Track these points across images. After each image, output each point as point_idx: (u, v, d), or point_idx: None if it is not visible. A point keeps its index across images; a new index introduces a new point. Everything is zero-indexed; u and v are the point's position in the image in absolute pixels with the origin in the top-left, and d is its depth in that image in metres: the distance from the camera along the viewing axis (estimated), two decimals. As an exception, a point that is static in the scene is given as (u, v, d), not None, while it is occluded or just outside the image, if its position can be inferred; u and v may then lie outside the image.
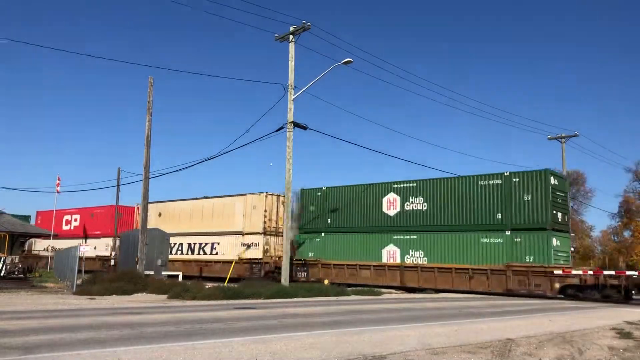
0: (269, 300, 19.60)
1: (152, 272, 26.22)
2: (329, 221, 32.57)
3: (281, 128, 25.16)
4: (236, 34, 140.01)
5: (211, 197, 37.33)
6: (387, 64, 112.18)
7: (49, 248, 48.47)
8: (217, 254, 35.63)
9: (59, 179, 45.69)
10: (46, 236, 43.74)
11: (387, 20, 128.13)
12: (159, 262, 28.63)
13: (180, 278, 27.89)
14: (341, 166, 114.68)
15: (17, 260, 30.36)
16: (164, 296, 20.24)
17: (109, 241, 44.00)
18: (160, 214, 39.69)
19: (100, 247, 44.70)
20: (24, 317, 12.49)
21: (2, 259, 28.96)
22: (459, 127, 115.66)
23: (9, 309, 14.55)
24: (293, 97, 25.34)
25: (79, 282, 22.94)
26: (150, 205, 36.78)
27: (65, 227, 49.27)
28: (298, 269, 31.92)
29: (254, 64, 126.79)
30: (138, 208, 39.23)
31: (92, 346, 8.21)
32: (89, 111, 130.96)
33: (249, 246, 33.54)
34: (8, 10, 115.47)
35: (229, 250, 34.80)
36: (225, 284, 25.59)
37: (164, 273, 28.11)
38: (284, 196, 31.63)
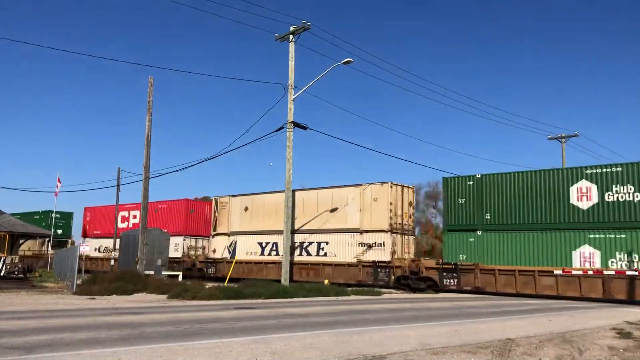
0: (269, 300, 19.60)
1: (152, 272, 26.25)
2: (487, 217, 26.52)
3: (281, 128, 25.19)
4: (236, 34, 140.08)
5: (313, 189, 32.87)
6: (387, 63, 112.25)
7: (102, 248, 45.29)
8: (325, 254, 30.73)
9: (59, 180, 45.54)
10: (46, 236, 43.36)
11: (387, 20, 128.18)
12: (159, 261, 28.66)
13: (180, 278, 27.91)
14: (341, 166, 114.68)
15: (17, 260, 30.37)
16: (164, 296, 20.25)
17: (178, 240, 38.70)
18: (246, 209, 35.30)
19: (175, 247, 38.70)
20: (24, 317, 12.50)
21: (2, 259, 28.96)
22: (459, 127, 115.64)
23: (9, 308, 14.56)
24: (293, 97, 25.34)
25: (79, 282, 22.95)
26: (234, 199, 36.13)
27: (121, 225, 43.89)
28: (445, 274, 26.38)
29: (254, 64, 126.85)
30: (217, 201, 37.22)
31: (92, 346, 8.21)
32: (89, 111, 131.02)
33: (370, 246, 28.67)
34: (8, 10, 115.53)
35: (341, 250, 29.99)
36: (225, 284, 25.59)
37: (164, 273, 28.13)
38: (411, 187, 29.90)
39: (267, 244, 33.72)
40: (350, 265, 29.22)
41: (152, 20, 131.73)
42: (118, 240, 39.25)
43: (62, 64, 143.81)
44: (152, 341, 8.88)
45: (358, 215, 29.46)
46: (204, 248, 39.29)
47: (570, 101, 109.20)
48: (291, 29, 25.71)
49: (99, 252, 45.52)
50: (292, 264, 30.02)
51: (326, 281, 28.79)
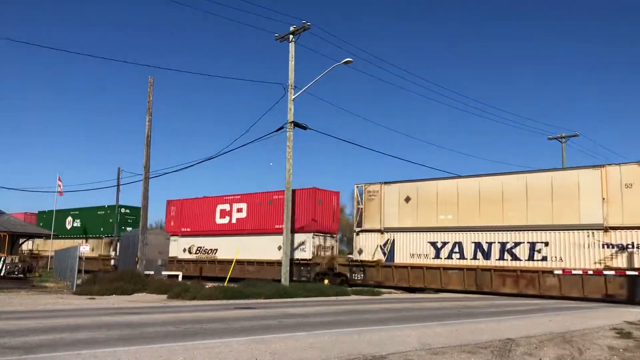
0: (269, 300, 19.60)
1: (152, 272, 26.25)
2: None
3: (281, 128, 25.19)
4: (236, 34, 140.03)
5: (515, 173, 26.11)
6: (387, 63, 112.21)
7: (193, 249, 38.79)
8: (543, 259, 24.01)
9: (59, 181, 45.26)
10: (46, 236, 42.30)
11: (387, 20, 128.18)
12: (159, 262, 28.66)
13: (180, 278, 27.90)
14: (341, 166, 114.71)
15: (17, 260, 30.36)
16: (164, 296, 20.25)
17: (304, 238, 31.82)
18: (407, 199, 28.67)
19: (296, 246, 32.28)
20: (24, 317, 12.50)
21: (2, 259, 28.96)
22: (459, 127, 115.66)
23: (9, 309, 14.56)
24: (293, 97, 25.34)
25: (79, 282, 22.95)
26: (388, 187, 29.41)
27: (220, 220, 37.45)
28: None
29: (254, 64, 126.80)
30: (363, 190, 30.31)
31: (92, 346, 8.21)
32: (89, 111, 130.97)
33: (623, 248, 22.15)
34: (8, 10, 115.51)
35: (572, 254, 23.32)
36: (225, 283, 25.58)
37: (164, 273, 28.13)
38: None
39: (444, 244, 27.18)
40: (595, 274, 22.32)
41: (152, 20, 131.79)
42: (217, 239, 36.07)
43: (62, 64, 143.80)
44: (152, 341, 8.88)
45: (600, 207, 22.76)
46: (332, 248, 33.05)
47: (570, 101, 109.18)
48: (291, 29, 25.71)
49: (190, 252, 38.82)
50: (500, 270, 25.08)
51: (326, 281, 28.77)
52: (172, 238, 37.55)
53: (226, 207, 37.50)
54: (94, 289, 21.09)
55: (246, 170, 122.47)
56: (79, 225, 49.70)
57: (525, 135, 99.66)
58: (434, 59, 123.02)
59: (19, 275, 29.44)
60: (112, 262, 42.10)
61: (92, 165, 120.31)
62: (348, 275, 29.49)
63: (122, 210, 45.90)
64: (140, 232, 25.73)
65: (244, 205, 36.26)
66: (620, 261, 22.14)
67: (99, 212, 47.36)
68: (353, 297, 22.85)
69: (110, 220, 45.25)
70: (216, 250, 36.90)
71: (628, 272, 21.59)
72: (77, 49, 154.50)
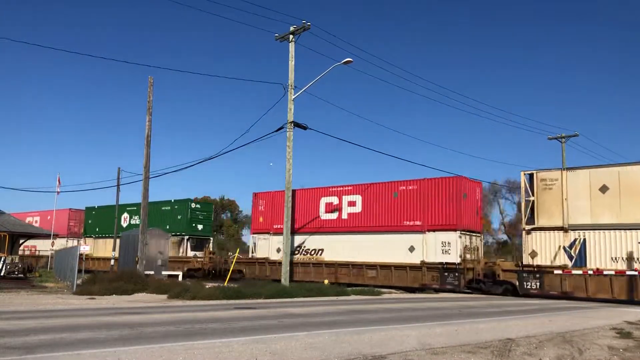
0: (268, 300, 19.60)
1: (152, 272, 26.25)
2: None
3: (281, 128, 25.19)
4: (236, 34, 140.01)
5: None
6: (387, 63, 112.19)
7: (308, 248, 32.66)
8: None
9: (59, 180, 45.18)
10: (46, 236, 42.19)
11: (387, 20, 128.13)
12: (159, 261, 28.66)
13: (180, 278, 27.91)
14: (342, 166, 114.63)
15: (17, 260, 30.38)
16: (164, 296, 20.25)
17: (448, 238, 27.07)
18: (604, 188, 22.93)
19: (435, 247, 27.32)
20: (24, 317, 12.50)
21: (2, 259, 28.97)
22: (459, 126, 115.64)
23: (9, 308, 14.56)
24: (293, 97, 25.34)
25: (79, 282, 22.95)
26: (573, 174, 23.79)
27: (326, 216, 32.26)
28: None
29: (254, 64, 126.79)
30: (534, 177, 24.87)
31: (92, 346, 8.21)
32: (89, 111, 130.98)
33: None
34: (8, 10, 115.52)
35: None
36: (225, 283, 25.59)
37: (164, 273, 28.13)
38: None
39: None
40: None
41: (152, 20, 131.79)
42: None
43: (62, 64, 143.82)
44: (152, 341, 8.88)
45: None
46: (477, 249, 28.31)
47: (570, 101, 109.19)
48: (291, 29, 25.71)
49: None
50: None
51: (326, 281, 28.75)
52: (260, 236, 35.18)
53: (333, 200, 32.21)
54: (94, 288, 21.09)
55: (246, 171, 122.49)
56: (136, 222, 42.30)
57: (525, 135, 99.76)
58: (434, 59, 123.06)
59: (19, 275, 29.45)
60: (198, 264, 35.64)
61: (92, 165, 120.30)
62: (517, 283, 24.18)
63: (192, 205, 40.77)
64: (140, 232, 25.74)
65: (357, 198, 31.16)
66: None
67: (163, 208, 41.67)
68: (353, 297, 22.85)
69: (179, 217, 40.51)
70: (321, 250, 32.09)
71: None
72: (77, 48, 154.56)
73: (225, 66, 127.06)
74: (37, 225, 48.25)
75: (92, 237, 47.53)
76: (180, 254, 39.30)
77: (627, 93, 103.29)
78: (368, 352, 8.18)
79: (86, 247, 28.19)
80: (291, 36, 25.69)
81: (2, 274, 28.42)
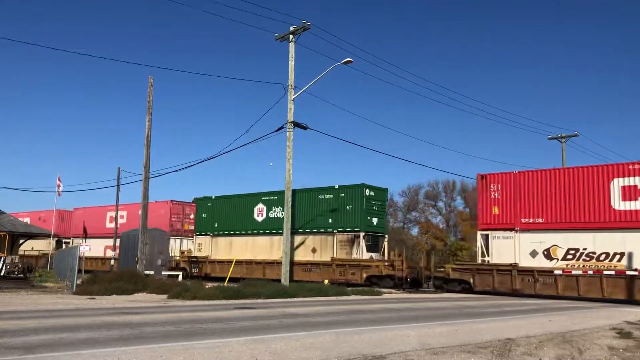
0: (268, 300, 19.60)
1: (152, 272, 26.26)
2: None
3: (281, 128, 25.19)
4: (236, 34, 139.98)
5: None
6: (387, 63, 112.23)
7: (557, 252, 24.43)
8: None
9: (59, 180, 45.06)
10: (46, 236, 41.91)
11: (387, 20, 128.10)
12: (159, 261, 28.67)
13: (180, 278, 27.93)
14: (342, 165, 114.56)
15: (17, 260, 30.38)
16: (164, 296, 20.26)
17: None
18: None
19: None
20: (24, 317, 12.50)
21: (2, 259, 28.97)
22: (459, 126, 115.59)
23: (9, 308, 14.56)
24: (293, 97, 25.34)
25: (79, 282, 22.97)
26: None
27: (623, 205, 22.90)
28: None
29: (254, 64, 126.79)
30: None
31: (92, 346, 8.21)
32: (89, 111, 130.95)
33: None
34: (8, 10, 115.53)
35: None
36: (225, 283, 25.60)
37: (164, 273, 28.15)
38: None
39: None
40: None
41: (152, 20, 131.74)
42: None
43: (62, 64, 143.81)
44: (152, 341, 8.88)
45: None
46: None
47: (570, 101, 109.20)
48: (291, 29, 25.71)
49: (550, 257, 24.61)
50: None
51: (326, 281, 28.74)
52: (501, 234, 26.01)
53: (628, 181, 22.91)
54: (94, 288, 21.10)
55: (246, 171, 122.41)
56: (278, 215, 33.45)
57: (525, 135, 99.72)
58: (434, 59, 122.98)
59: (19, 275, 29.45)
60: (386, 270, 28.30)
61: (92, 165, 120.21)
62: None
63: (367, 192, 31.17)
64: (140, 232, 25.75)
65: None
66: None
67: (321, 196, 32.68)
68: (353, 297, 22.86)
69: (349, 208, 30.84)
70: (617, 255, 22.76)
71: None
72: (76, 48, 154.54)
73: (225, 66, 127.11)
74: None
75: (208, 234, 37.81)
76: (354, 256, 30.08)
77: (627, 93, 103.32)
78: (368, 352, 8.18)
79: (86, 247, 28.15)
80: (291, 36, 25.69)
81: (2, 274, 28.42)
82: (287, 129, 25.07)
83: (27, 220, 47.30)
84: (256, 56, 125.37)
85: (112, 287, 21.21)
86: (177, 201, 41.72)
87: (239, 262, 33.50)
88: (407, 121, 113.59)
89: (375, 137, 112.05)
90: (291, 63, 25.65)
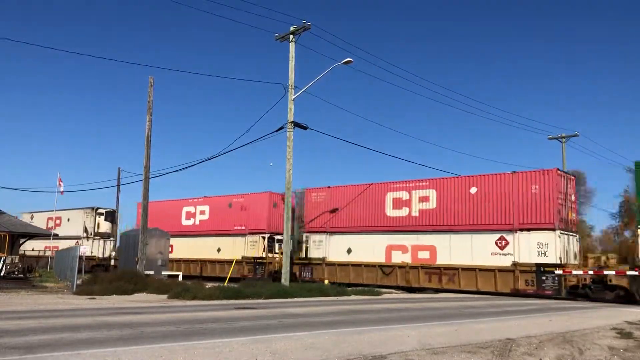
0: (269, 300, 19.60)
1: (152, 272, 26.24)
2: None
3: (281, 128, 25.18)
4: (236, 34, 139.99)
5: None
6: (387, 63, 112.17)
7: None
8: None
9: (60, 180, 44.89)
10: (45, 236, 41.66)
11: (388, 20, 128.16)
12: (159, 262, 28.64)
13: (180, 278, 27.90)
14: (343, 166, 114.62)
15: (17, 260, 30.36)
16: (164, 296, 20.25)
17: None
18: None
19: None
20: (24, 317, 12.50)
21: (2, 259, 28.96)
22: (459, 126, 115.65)
23: (9, 308, 14.55)
24: (293, 97, 25.34)
25: (79, 282, 22.96)
26: None
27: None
28: None
29: (254, 64, 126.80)
30: None
31: (92, 346, 8.21)
32: (89, 111, 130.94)
33: None
34: (8, 10, 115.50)
35: None
36: (225, 284, 25.59)
37: (164, 273, 28.13)
38: None
39: None
40: None
41: (152, 20, 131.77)
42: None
43: (62, 64, 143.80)
44: (152, 341, 8.87)
45: None
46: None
47: (570, 101, 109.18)
48: (291, 29, 25.70)
49: None
50: None
51: (326, 281, 28.74)
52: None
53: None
54: (94, 289, 21.09)
55: (246, 171, 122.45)
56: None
57: (525, 135, 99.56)
58: (434, 58, 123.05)
59: (19, 275, 29.44)
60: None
61: (92, 165, 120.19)
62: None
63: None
64: (141, 232, 25.73)
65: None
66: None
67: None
68: (353, 297, 22.85)
69: None
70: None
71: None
72: (77, 48, 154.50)
73: (225, 66, 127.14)
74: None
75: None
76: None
77: (627, 93, 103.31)
78: (368, 352, 8.17)
79: (85, 247, 28.12)
80: (291, 36, 25.68)
81: (2, 274, 28.41)
82: (287, 129, 25.06)
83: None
84: (256, 56, 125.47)
85: (112, 287, 21.19)
86: (278, 193, 35.55)
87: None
88: (408, 121, 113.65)
89: (375, 137, 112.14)
90: (291, 63, 25.64)
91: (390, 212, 29.10)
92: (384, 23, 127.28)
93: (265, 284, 23.78)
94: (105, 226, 43.85)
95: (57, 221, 46.15)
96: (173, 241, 33.77)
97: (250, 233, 34.38)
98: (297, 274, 31.01)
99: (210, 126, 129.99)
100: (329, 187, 32.03)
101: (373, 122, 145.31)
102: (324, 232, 31.42)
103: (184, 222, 38.04)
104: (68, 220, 45.33)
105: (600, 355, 8.73)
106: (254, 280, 27.35)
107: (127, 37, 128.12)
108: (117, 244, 43.22)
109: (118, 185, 39.18)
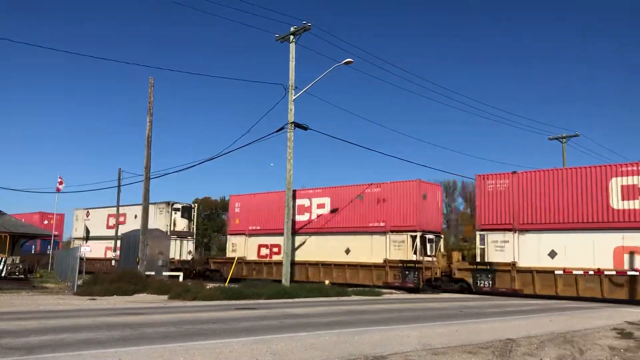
0: (269, 301, 19.60)
1: (152, 273, 26.25)
2: None
3: (282, 128, 25.19)
4: (236, 34, 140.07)
5: None
6: (387, 63, 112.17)
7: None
8: None
9: (60, 180, 44.83)
10: (46, 236, 41.43)
11: (387, 20, 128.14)
12: (160, 262, 28.65)
13: (180, 278, 27.91)
14: (342, 166, 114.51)
15: (17, 261, 30.38)
16: (165, 296, 20.26)
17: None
18: None
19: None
20: (25, 317, 12.51)
21: (3, 260, 28.98)
22: (459, 126, 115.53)
23: (10, 309, 14.57)
24: (294, 97, 25.34)
25: (79, 282, 22.97)
26: None
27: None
28: None
29: (254, 64, 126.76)
30: None
31: (93, 347, 8.22)
32: (89, 111, 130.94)
33: None
34: (8, 10, 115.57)
35: None
36: (226, 284, 25.60)
37: (164, 273, 28.14)
38: None
39: None
40: None
41: (153, 20, 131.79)
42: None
43: (62, 64, 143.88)
44: (152, 341, 8.88)
45: None
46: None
47: (570, 101, 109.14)
48: (292, 29, 25.70)
49: None
50: None
51: (327, 281, 28.74)
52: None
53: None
54: (95, 289, 21.10)
55: (246, 171, 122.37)
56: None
57: (525, 135, 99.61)
58: (434, 58, 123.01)
59: (20, 276, 29.45)
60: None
61: (92, 166, 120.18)
62: (471, 281, 24.99)
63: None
64: (141, 232, 25.75)
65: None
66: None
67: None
68: (354, 297, 22.85)
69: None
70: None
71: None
72: (77, 49, 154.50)
73: (225, 66, 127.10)
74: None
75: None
76: None
77: (628, 93, 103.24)
78: (369, 353, 8.18)
79: (87, 247, 28.10)
80: (291, 37, 25.69)
81: (3, 274, 28.43)
82: (288, 130, 25.07)
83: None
84: (256, 57, 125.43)
85: (112, 288, 21.20)
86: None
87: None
88: (408, 121, 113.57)
89: (375, 137, 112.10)
90: (292, 64, 25.65)
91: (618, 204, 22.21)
92: (385, 23, 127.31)
93: (266, 284, 23.78)
94: (182, 224, 39.13)
95: (121, 218, 40.61)
96: (277, 240, 30.90)
97: (392, 231, 28.41)
98: (471, 281, 25.55)
99: (210, 126, 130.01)
100: (514, 172, 25.80)
101: (373, 122, 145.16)
102: (510, 230, 25.22)
103: (296, 217, 32.00)
104: (135, 217, 38.01)
105: (601, 355, 8.73)
106: (400, 289, 26.99)
107: (127, 38, 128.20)
108: (194, 245, 40.28)
109: (119, 186, 39.19)
